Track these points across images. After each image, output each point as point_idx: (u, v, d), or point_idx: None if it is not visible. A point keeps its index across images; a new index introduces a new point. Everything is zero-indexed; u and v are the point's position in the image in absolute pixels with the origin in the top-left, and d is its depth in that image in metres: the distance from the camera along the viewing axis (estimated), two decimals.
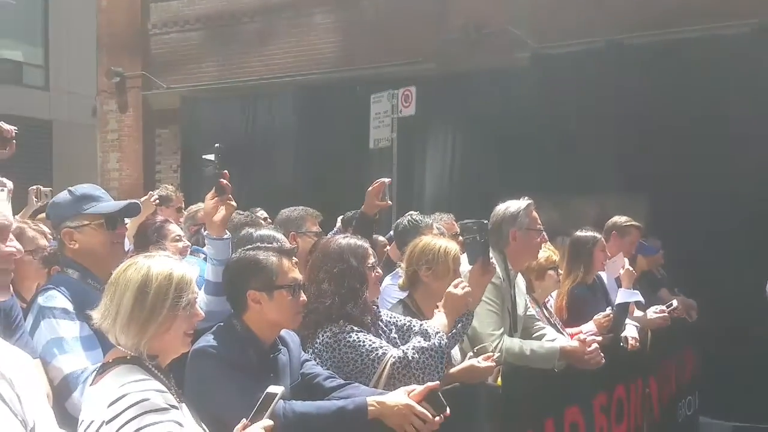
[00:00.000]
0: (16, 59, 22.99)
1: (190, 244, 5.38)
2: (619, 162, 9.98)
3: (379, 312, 4.03)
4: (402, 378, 3.54)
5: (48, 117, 21.89)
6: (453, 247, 4.33)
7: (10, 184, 2.12)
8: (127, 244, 4.07)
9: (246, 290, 3.24)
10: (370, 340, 3.64)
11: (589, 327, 5.57)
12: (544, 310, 5.54)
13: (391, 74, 12.17)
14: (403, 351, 3.62)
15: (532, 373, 4.57)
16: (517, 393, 4.29)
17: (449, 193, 11.86)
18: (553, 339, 4.98)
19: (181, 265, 2.71)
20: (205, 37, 14.75)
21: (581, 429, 4.88)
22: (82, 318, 3.09)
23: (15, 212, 2.02)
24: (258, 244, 3.57)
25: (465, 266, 4.31)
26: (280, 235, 4.47)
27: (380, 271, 4.15)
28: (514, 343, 4.59)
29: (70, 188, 3.53)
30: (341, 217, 6.73)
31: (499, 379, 4.27)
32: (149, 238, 4.77)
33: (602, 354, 4.74)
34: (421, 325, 3.88)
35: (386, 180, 4.98)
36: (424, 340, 3.69)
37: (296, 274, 3.33)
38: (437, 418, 3.13)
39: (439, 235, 4.91)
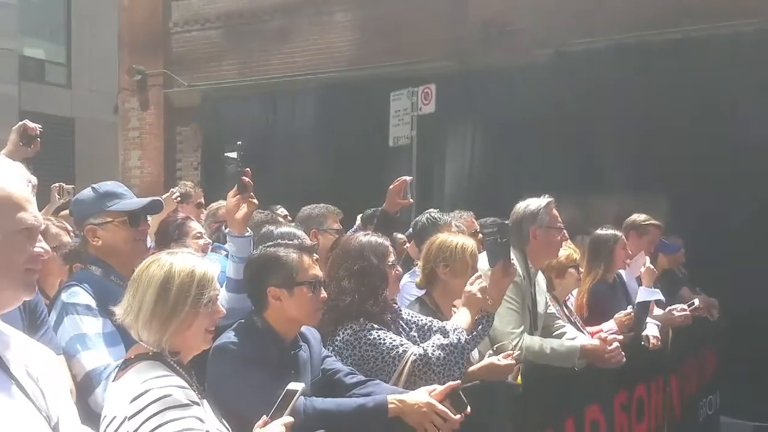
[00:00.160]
0: (38, 57, 23.20)
1: (211, 241, 5.40)
2: (640, 160, 9.94)
3: (400, 310, 4.04)
4: (422, 375, 3.54)
5: (70, 114, 22.07)
6: (470, 243, 4.32)
7: (34, 179, 2.14)
8: (149, 242, 4.09)
9: (266, 287, 3.24)
10: (391, 338, 3.64)
11: (610, 325, 5.54)
12: (565, 309, 5.52)
13: (411, 72, 12.15)
14: (423, 348, 3.61)
15: (553, 372, 4.56)
16: (537, 391, 4.27)
17: (468, 190, 11.84)
18: (574, 337, 4.96)
19: (203, 262, 2.73)
20: (226, 36, 14.81)
21: (602, 428, 4.86)
22: (105, 314, 3.12)
23: (38, 209, 2.04)
24: (278, 241, 3.58)
25: (483, 263, 4.30)
26: (300, 232, 4.48)
27: (400, 269, 4.15)
28: (534, 341, 4.58)
29: (93, 185, 3.55)
30: (361, 215, 6.74)
31: (519, 377, 4.25)
32: (170, 236, 4.79)
33: (623, 353, 4.72)
34: (441, 324, 3.88)
35: (408, 178, 4.97)
36: (444, 337, 3.69)
37: (316, 271, 3.33)
38: (458, 417, 3.12)
39: (456, 232, 4.90)
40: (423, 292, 4.42)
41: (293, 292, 3.23)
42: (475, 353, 4.23)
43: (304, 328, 3.40)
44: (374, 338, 3.61)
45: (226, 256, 3.89)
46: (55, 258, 4.09)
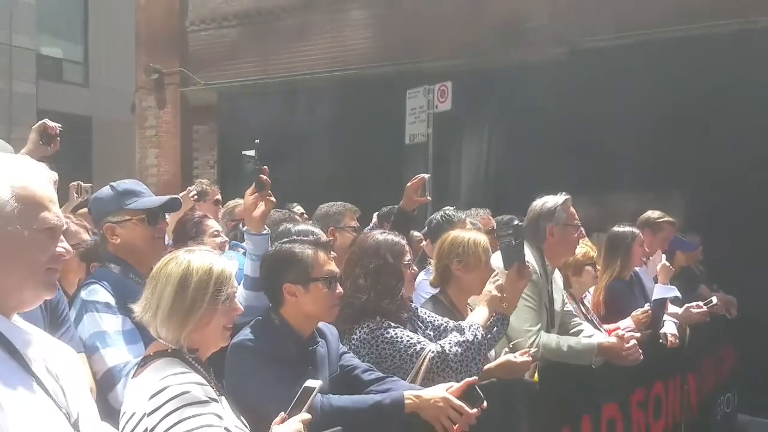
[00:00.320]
0: (56, 56, 23.37)
1: (228, 239, 5.42)
2: (658, 158, 9.88)
3: (417, 309, 4.04)
4: (440, 372, 3.55)
5: (87, 113, 22.21)
6: (482, 238, 4.31)
7: (55, 175, 2.16)
8: (167, 239, 4.11)
9: (282, 283, 3.25)
10: (408, 336, 3.65)
11: (627, 323, 5.53)
12: (581, 306, 5.50)
13: (427, 69, 12.14)
14: (440, 345, 3.62)
15: (569, 369, 4.55)
16: (553, 389, 4.25)
17: (485, 188, 11.82)
18: (591, 335, 4.95)
19: (221, 260, 2.74)
20: (242, 34, 14.85)
21: (619, 425, 4.85)
22: (124, 312, 3.14)
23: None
24: (293, 237, 3.59)
25: (496, 262, 4.28)
26: (317, 230, 4.49)
27: (416, 268, 4.14)
28: (551, 338, 4.57)
29: (112, 183, 3.57)
30: (377, 212, 6.74)
31: (536, 374, 4.25)
32: (188, 233, 4.81)
33: (640, 350, 4.71)
34: (456, 323, 3.88)
35: (426, 175, 4.96)
36: (461, 334, 3.69)
37: (332, 267, 3.33)
38: (474, 411, 3.12)
39: (470, 229, 4.88)
40: (438, 290, 4.42)
41: (309, 288, 3.24)
42: (491, 351, 4.22)
43: (321, 324, 3.40)
44: (391, 336, 3.61)
45: (244, 253, 3.91)
46: (74, 256, 4.11)
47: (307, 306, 3.25)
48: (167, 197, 3.66)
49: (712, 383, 6.89)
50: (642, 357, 4.70)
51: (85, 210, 5.27)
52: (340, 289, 3.36)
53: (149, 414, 2.46)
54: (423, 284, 5.10)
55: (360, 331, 3.65)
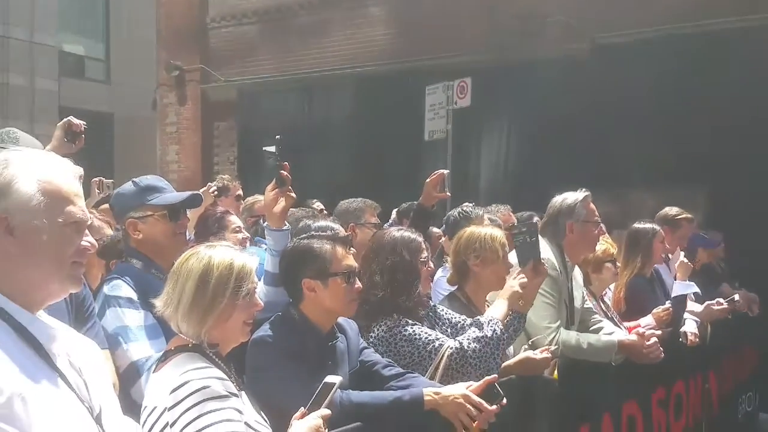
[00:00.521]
0: (78, 53, 23.54)
1: (249, 235, 5.43)
2: (679, 154, 9.82)
3: (434, 306, 4.04)
4: (459, 368, 3.54)
5: (109, 110, 22.36)
6: (498, 233, 4.30)
7: (80, 170, 2.18)
8: (188, 235, 4.13)
9: (301, 278, 3.26)
10: (426, 333, 3.64)
11: (648, 321, 5.50)
12: (601, 304, 5.48)
13: (447, 66, 12.13)
14: (459, 342, 3.61)
15: (589, 367, 4.53)
16: (573, 386, 4.24)
17: (504, 184, 11.81)
18: (611, 332, 4.92)
19: (242, 255, 2.75)
20: (262, 31, 14.89)
21: (639, 423, 4.83)
22: (146, 307, 3.16)
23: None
24: (312, 233, 3.59)
25: (511, 260, 4.27)
26: (336, 225, 4.49)
27: (432, 265, 4.13)
28: (570, 336, 4.55)
29: (134, 179, 3.58)
30: (396, 209, 6.74)
31: (556, 372, 4.24)
32: (209, 229, 4.83)
33: (661, 348, 4.68)
34: (474, 320, 3.87)
35: (445, 171, 4.95)
36: (479, 330, 3.69)
37: (351, 262, 3.33)
38: (493, 407, 3.12)
39: (486, 225, 4.85)
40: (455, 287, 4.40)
41: (327, 283, 3.24)
42: (510, 348, 4.21)
43: (341, 319, 3.41)
44: (409, 333, 3.61)
45: (265, 249, 3.92)
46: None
47: (326, 301, 3.25)
48: (188, 193, 3.68)
49: (733, 381, 6.85)
50: (663, 355, 4.68)
51: (106, 206, 5.31)
52: (359, 284, 3.35)
53: (170, 408, 2.47)
54: (440, 281, 5.08)
55: (378, 330, 3.65)
